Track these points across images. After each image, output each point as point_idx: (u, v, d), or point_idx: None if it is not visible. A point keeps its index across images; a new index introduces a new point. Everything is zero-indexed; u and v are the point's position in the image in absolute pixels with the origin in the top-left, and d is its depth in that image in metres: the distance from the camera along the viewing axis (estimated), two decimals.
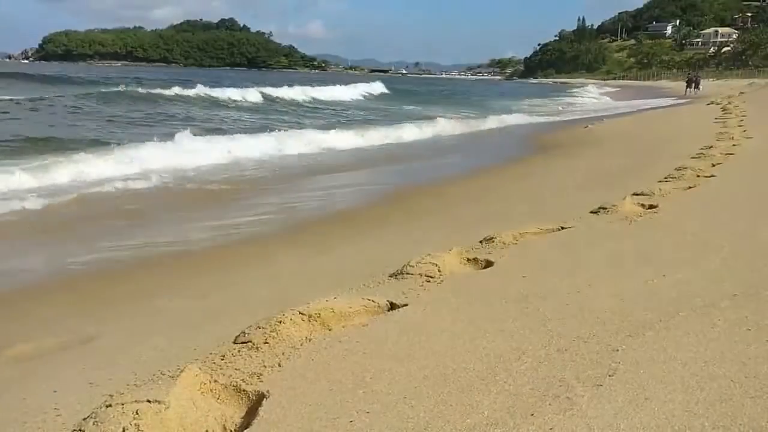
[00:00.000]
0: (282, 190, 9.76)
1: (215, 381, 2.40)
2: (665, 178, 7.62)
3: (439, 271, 3.80)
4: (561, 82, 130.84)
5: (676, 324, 2.84)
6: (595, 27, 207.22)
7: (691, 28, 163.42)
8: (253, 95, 32.96)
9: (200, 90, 32.82)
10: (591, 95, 61.02)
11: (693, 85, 52.42)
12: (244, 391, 2.36)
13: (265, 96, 33.39)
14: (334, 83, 46.41)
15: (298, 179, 10.92)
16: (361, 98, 40.80)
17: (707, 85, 65.55)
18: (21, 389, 2.78)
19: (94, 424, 2.06)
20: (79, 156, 11.06)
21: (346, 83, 45.23)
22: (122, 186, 9.32)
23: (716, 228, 4.77)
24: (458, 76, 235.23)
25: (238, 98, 31.75)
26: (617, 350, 2.56)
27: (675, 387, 2.23)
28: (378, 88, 46.07)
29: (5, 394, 2.77)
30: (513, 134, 20.47)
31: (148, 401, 2.13)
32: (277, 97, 34.31)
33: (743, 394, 2.18)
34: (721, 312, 2.97)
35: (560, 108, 37.61)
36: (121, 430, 2.01)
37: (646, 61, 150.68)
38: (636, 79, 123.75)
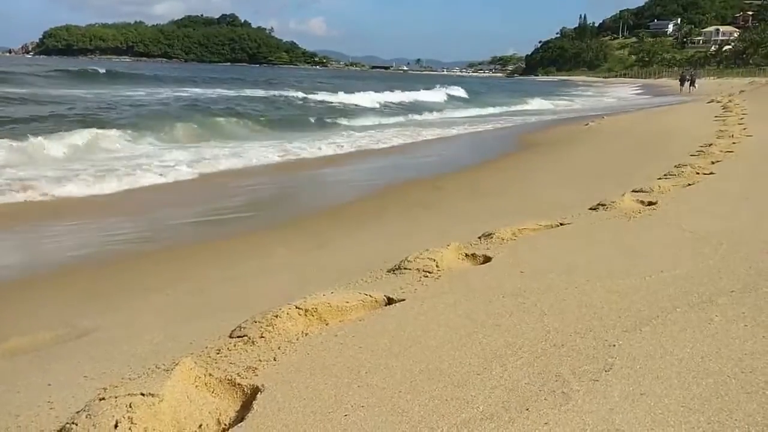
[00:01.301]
0: None
1: (210, 375, 2.39)
2: (665, 175, 7.61)
3: (437, 266, 3.79)
4: (564, 80, 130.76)
5: (673, 320, 2.83)
6: (597, 24, 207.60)
7: (693, 26, 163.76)
8: (368, 101, 33.90)
9: (342, 97, 34.27)
10: (619, 94, 60.69)
11: (688, 83, 52.75)
12: (238, 384, 2.35)
13: (383, 101, 34.64)
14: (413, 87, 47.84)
15: None
16: (447, 99, 41.57)
17: (709, 83, 65.56)
18: (15, 382, 2.77)
19: (87, 417, 2.05)
20: None
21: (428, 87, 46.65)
22: None
23: (715, 225, 4.76)
24: (459, 74, 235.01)
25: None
26: (614, 345, 2.55)
27: (671, 382, 2.23)
28: (458, 91, 46.40)
29: (0, 387, 2.76)
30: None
31: (142, 394, 2.12)
32: (401, 102, 35.99)
33: (739, 389, 2.17)
34: (719, 308, 2.96)
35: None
36: (114, 423, 2.00)
37: (647, 59, 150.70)
38: (638, 77, 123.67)
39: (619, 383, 2.23)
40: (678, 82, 56.78)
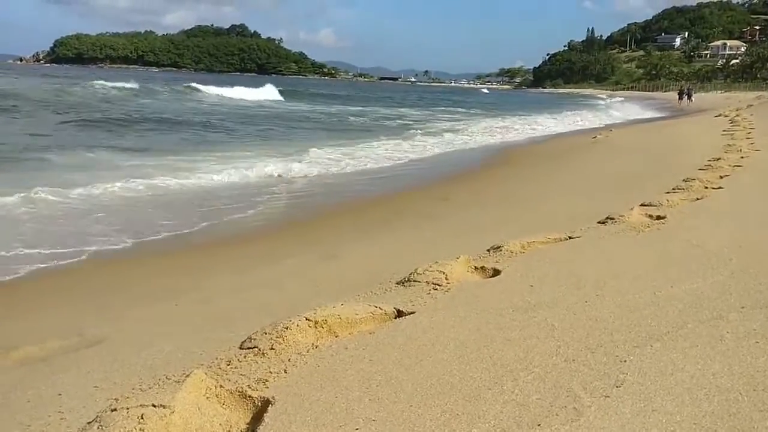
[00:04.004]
0: None
1: (221, 386, 2.39)
2: (673, 189, 7.59)
3: (446, 279, 3.79)
4: (572, 93, 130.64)
5: (684, 335, 2.82)
6: (605, 38, 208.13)
7: (700, 41, 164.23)
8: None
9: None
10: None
11: (686, 96, 55.31)
12: (249, 396, 2.35)
13: None
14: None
15: None
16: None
17: (715, 97, 65.59)
18: (25, 392, 2.78)
19: (98, 428, 2.06)
20: None
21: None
22: None
23: (724, 240, 4.75)
24: (468, 85, 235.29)
25: None
26: (625, 361, 2.55)
27: (683, 399, 2.22)
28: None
29: (10, 396, 2.77)
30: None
31: (153, 406, 2.13)
32: None
33: (752, 407, 2.16)
34: (730, 324, 2.95)
35: None
36: None
37: (654, 72, 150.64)
38: (645, 90, 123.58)
39: (631, 399, 2.22)
40: (693, 95, 58.28)
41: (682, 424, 2.06)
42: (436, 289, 3.65)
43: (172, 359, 2.97)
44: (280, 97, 49.84)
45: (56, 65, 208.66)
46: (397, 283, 3.87)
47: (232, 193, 9.80)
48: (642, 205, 6.27)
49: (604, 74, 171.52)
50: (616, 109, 50.72)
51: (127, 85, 45.19)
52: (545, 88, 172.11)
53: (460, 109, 47.04)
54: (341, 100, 54.32)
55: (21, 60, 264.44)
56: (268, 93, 50.41)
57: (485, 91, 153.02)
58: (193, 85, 49.73)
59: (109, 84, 44.76)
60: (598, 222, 5.60)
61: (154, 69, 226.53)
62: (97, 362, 3.13)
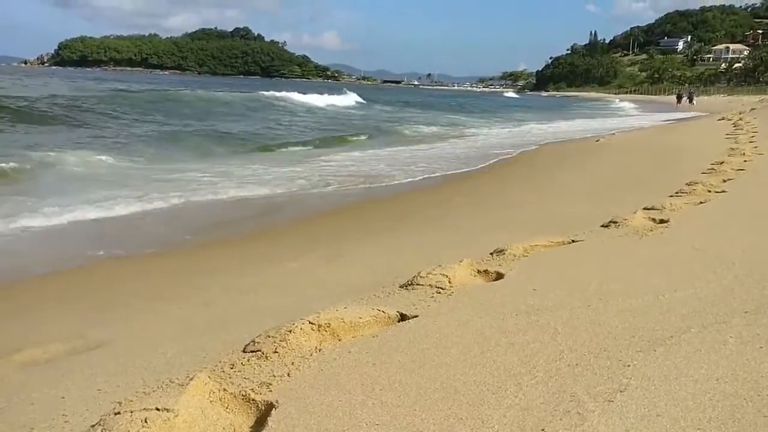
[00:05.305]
0: None
1: (224, 390, 2.39)
2: (676, 192, 7.59)
3: (449, 282, 3.79)
4: (578, 96, 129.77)
5: (688, 340, 2.81)
6: (607, 41, 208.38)
7: (703, 44, 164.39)
8: None
9: None
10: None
11: (686, 99, 59.31)
12: (253, 400, 2.35)
13: None
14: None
15: None
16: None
17: (718, 100, 66.04)
18: (29, 394, 2.78)
19: (102, 431, 2.06)
20: None
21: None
22: None
23: (728, 244, 4.74)
24: (470, 89, 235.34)
25: None
26: (628, 366, 2.54)
27: (687, 404, 2.21)
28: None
29: (13, 399, 2.78)
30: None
31: (157, 409, 2.13)
32: None
33: (756, 412, 2.15)
34: (733, 329, 2.95)
35: None
36: None
37: (657, 76, 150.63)
38: (648, 94, 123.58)
39: (635, 404, 2.21)
40: (697, 99, 62.28)
41: (686, 430, 2.05)
42: (440, 293, 3.65)
43: (176, 362, 2.98)
44: (363, 101, 51.97)
45: (60, 68, 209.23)
46: (401, 287, 3.87)
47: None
48: (645, 208, 6.27)
49: (607, 77, 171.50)
50: (627, 112, 51.82)
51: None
52: (548, 91, 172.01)
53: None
54: (425, 107, 54.56)
55: (25, 62, 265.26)
56: (353, 98, 52.54)
57: (513, 95, 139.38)
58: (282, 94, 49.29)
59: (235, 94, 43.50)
60: (601, 225, 5.60)
61: (158, 71, 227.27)
62: (101, 365, 3.13)
